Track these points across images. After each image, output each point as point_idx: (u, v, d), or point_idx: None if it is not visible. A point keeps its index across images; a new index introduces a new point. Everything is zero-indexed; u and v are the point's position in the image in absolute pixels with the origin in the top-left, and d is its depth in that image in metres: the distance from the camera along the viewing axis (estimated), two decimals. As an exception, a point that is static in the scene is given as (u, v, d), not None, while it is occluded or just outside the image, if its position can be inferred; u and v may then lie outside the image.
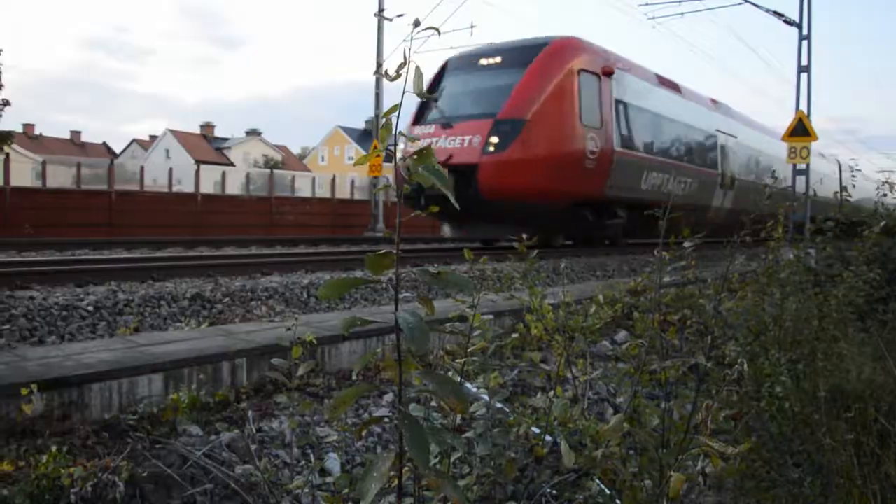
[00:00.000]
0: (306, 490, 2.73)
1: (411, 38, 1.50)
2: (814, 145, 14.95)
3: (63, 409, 3.48)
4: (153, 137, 68.43)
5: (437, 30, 1.51)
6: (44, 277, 7.60)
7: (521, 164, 13.92)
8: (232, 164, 54.48)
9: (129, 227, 22.40)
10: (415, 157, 1.51)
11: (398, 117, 1.51)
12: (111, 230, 22.29)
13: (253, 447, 3.20)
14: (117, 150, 71.46)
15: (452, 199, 1.51)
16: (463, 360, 2.68)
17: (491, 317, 2.79)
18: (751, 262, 4.56)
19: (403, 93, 1.53)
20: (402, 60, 1.49)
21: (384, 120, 1.54)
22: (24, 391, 3.30)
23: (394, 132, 1.53)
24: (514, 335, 4.69)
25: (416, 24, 1.50)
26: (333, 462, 3.31)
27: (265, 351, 4.34)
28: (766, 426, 3.34)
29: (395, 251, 1.54)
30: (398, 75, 1.51)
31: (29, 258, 11.95)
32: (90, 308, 6.27)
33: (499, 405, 2.74)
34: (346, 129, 70.41)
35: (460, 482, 2.40)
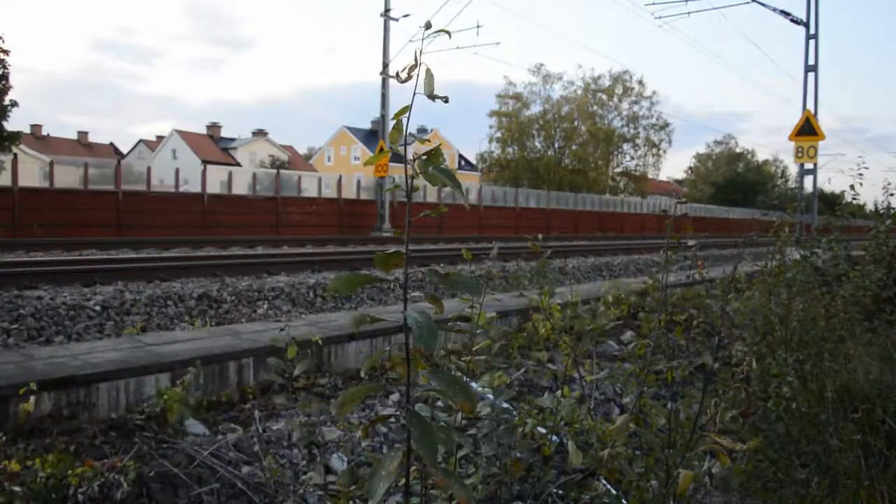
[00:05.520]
0: (312, 489, 2.74)
1: (422, 39, 1.49)
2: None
3: (70, 408, 3.50)
4: (160, 138, 68.73)
5: (447, 32, 1.51)
6: (51, 277, 7.62)
7: None
8: (238, 165, 54.64)
9: (136, 227, 22.49)
10: (424, 157, 1.51)
11: (408, 118, 1.51)
12: (118, 230, 22.38)
13: (259, 447, 3.21)
14: (124, 150, 71.71)
15: (464, 201, 1.51)
16: (468, 358, 2.69)
17: (494, 314, 2.80)
18: (757, 262, 4.54)
19: (414, 94, 1.53)
20: (412, 61, 1.49)
21: (394, 121, 1.54)
22: (32, 390, 3.32)
23: (404, 133, 1.53)
24: (522, 334, 4.70)
25: (428, 26, 1.50)
26: (339, 461, 3.31)
27: (272, 351, 4.36)
28: (772, 426, 3.33)
29: (403, 250, 1.54)
30: (409, 76, 1.51)
31: (36, 258, 11.98)
32: (97, 308, 6.29)
33: (504, 405, 2.75)
34: (352, 130, 70.53)
35: (466, 481, 2.40)
